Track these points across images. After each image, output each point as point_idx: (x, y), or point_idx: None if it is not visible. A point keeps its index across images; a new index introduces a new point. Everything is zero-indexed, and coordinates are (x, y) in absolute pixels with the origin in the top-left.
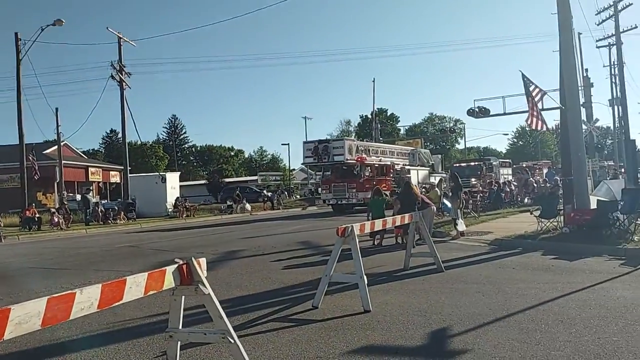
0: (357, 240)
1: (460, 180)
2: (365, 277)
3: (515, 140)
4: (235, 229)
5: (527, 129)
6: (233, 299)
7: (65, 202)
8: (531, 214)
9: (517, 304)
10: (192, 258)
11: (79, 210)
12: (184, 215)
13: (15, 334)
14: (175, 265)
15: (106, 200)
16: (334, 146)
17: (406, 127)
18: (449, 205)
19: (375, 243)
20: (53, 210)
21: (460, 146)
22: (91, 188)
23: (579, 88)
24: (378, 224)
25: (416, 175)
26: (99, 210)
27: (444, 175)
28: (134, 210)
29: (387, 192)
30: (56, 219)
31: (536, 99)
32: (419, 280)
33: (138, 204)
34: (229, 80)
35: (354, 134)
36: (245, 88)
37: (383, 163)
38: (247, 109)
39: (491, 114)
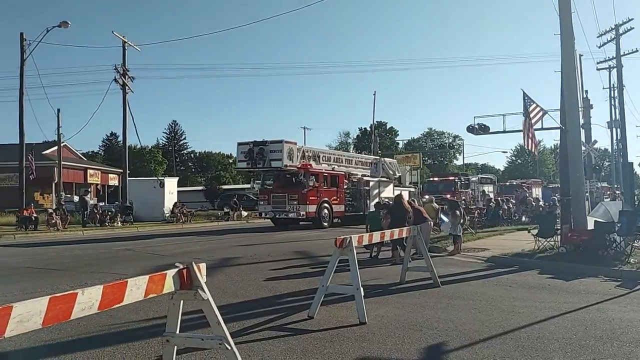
0: (355, 252)
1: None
2: (361, 289)
3: (513, 158)
4: (231, 236)
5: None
6: (228, 306)
7: (63, 203)
8: (529, 232)
9: (513, 322)
10: (193, 263)
11: (76, 212)
12: (181, 221)
13: (16, 332)
14: (176, 270)
15: (103, 203)
16: (271, 149)
17: (405, 141)
18: (447, 220)
19: (372, 256)
20: (50, 210)
21: (459, 162)
22: (89, 190)
23: (579, 109)
24: (376, 237)
25: (377, 188)
26: (97, 212)
27: (412, 189)
28: (131, 214)
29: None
30: (53, 220)
31: (535, 119)
32: (415, 294)
33: (135, 207)
34: (231, 88)
35: (352, 146)
36: (247, 96)
37: (336, 172)
38: (247, 117)
39: (491, 131)
